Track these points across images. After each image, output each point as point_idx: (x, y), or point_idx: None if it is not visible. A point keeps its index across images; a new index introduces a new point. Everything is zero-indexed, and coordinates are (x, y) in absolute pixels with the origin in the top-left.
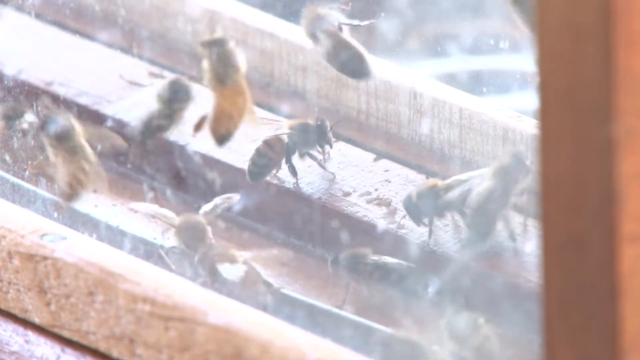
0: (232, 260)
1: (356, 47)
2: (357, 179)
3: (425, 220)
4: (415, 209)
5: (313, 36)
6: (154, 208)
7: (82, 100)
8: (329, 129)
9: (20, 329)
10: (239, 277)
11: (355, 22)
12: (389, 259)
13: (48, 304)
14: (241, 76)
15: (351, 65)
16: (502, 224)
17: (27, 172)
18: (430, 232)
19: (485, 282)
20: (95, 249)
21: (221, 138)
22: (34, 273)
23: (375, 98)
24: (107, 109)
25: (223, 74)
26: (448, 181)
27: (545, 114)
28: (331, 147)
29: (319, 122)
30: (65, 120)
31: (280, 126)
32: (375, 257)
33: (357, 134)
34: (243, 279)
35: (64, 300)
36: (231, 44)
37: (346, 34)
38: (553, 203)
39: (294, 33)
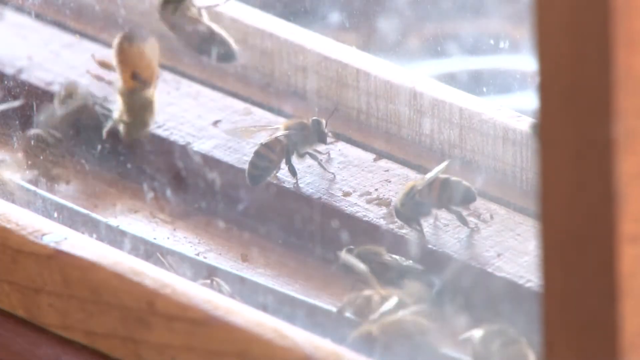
0: None
1: (217, 30)
2: (357, 179)
3: (416, 223)
4: (402, 214)
5: (174, 26)
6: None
7: None
8: (324, 126)
9: (20, 329)
10: None
11: (214, 3)
12: (403, 261)
13: (48, 304)
14: None
15: (214, 49)
16: None
17: None
18: (422, 232)
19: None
20: (95, 249)
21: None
22: (35, 273)
23: (375, 98)
24: None
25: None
26: (424, 181)
27: (545, 114)
28: (326, 143)
29: (313, 120)
30: None
31: (276, 129)
32: (388, 257)
33: (357, 134)
34: None
35: (65, 300)
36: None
37: (206, 19)
38: (553, 203)
39: (294, 33)
